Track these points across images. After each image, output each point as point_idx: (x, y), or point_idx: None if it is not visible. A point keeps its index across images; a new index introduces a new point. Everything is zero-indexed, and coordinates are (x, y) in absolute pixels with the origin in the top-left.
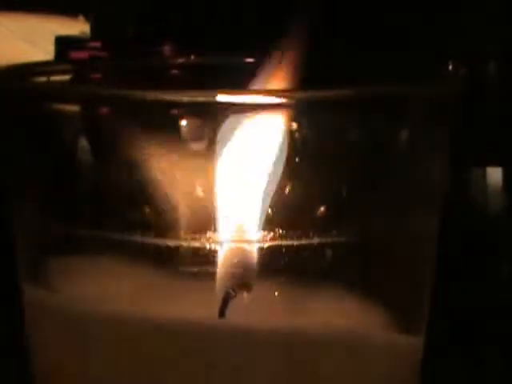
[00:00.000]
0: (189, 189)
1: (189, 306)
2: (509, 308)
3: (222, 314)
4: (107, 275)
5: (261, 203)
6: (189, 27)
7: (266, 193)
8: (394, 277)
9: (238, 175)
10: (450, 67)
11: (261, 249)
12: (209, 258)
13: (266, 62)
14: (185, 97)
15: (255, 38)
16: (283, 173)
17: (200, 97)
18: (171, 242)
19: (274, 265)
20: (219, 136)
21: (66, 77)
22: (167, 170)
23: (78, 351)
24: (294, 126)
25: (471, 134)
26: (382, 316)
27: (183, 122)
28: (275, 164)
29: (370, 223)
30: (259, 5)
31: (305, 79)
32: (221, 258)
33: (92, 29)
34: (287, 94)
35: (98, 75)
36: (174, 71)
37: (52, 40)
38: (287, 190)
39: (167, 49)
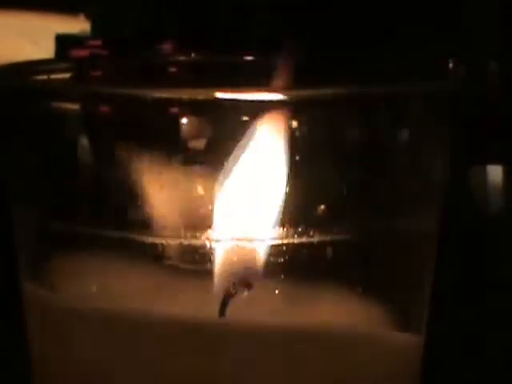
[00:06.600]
0: (189, 187)
1: (189, 304)
2: (509, 308)
3: (222, 313)
4: (107, 274)
5: (261, 202)
6: (189, 27)
7: (266, 191)
8: (394, 276)
9: (238, 173)
10: (450, 67)
11: (261, 247)
12: (209, 256)
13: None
14: (185, 95)
15: (255, 38)
16: (284, 171)
17: (200, 95)
18: (171, 241)
19: (274, 263)
20: (219, 134)
21: (67, 75)
22: (167, 168)
23: (78, 350)
24: (294, 124)
25: (471, 133)
26: (382, 315)
27: (183, 120)
28: (275, 162)
29: (370, 222)
30: (258, 5)
31: (305, 78)
32: (221, 257)
33: (92, 27)
34: (287, 92)
35: (99, 73)
36: (175, 69)
37: (52, 38)
38: (288, 189)
39: (168, 47)
